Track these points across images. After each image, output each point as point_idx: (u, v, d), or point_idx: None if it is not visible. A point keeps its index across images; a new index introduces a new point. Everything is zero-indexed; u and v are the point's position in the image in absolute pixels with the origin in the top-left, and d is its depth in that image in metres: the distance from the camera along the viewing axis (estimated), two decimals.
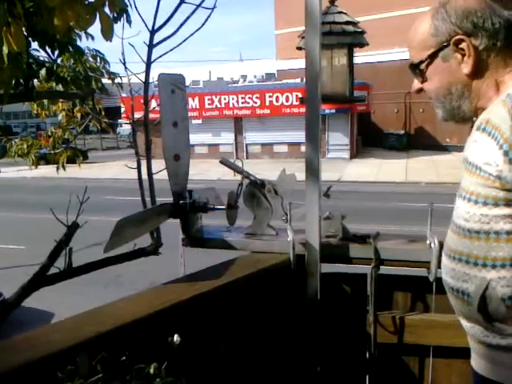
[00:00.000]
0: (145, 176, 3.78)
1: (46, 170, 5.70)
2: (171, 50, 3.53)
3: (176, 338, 1.32)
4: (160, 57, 3.49)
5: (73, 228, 3.43)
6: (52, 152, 6.05)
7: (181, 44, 3.57)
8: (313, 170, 1.83)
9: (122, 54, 4.31)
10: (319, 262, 1.89)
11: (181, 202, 1.95)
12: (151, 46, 3.42)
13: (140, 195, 3.86)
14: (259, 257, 1.95)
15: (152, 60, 3.52)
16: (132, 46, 3.72)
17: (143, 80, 3.81)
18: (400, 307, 1.96)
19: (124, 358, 1.22)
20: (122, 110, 28.05)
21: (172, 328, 1.47)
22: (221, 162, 2.01)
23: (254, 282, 1.83)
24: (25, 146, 5.76)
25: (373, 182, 20.00)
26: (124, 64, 4.07)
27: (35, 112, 5.49)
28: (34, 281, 3.42)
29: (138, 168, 3.95)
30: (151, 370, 1.23)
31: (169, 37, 3.61)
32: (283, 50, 33.91)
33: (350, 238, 1.95)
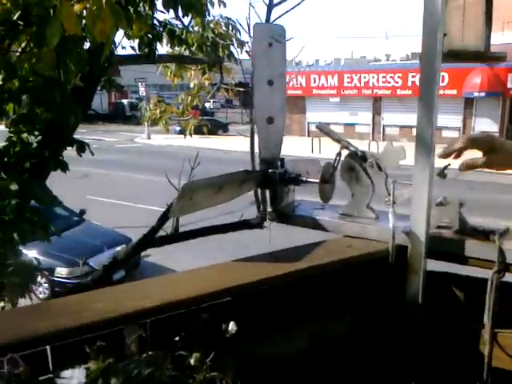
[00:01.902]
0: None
1: (191, 140, 5.90)
2: (292, 9, 3.35)
3: (232, 326, 1.16)
4: (279, 17, 3.32)
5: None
6: (182, 119, 6.24)
7: (300, 3, 3.35)
8: (424, 143, 1.51)
9: (247, 17, 4.21)
10: (425, 257, 1.57)
11: (270, 170, 1.76)
12: (270, 6, 3.27)
13: (251, 164, 3.77)
14: (352, 242, 1.68)
15: (272, 20, 3.36)
16: (252, 6, 3.60)
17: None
18: None
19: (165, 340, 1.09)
20: None
21: (230, 314, 1.31)
22: (317, 128, 1.78)
23: (343, 271, 1.58)
24: (158, 111, 6.01)
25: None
26: (248, 27, 3.96)
27: (168, 78, 5.64)
28: (143, 241, 3.55)
29: (252, 137, 3.86)
30: (192, 361, 1.08)
31: None
32: None
33: (468, 231, 1.58)
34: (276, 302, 1.50)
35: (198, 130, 6.40)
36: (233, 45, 5.22)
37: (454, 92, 23.51)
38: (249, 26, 4.20)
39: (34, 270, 2.71)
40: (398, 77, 25.02)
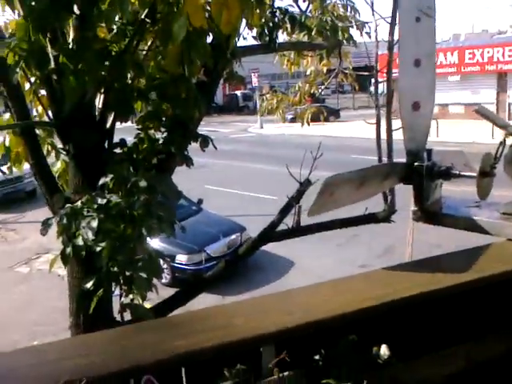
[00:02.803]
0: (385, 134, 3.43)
1: (302, 128, 5.82)
2: None
3: (384, 350, 0.99)
4: None
5: (304, 185, 3.34)
6: (298, 108, 6.12)
7: None
8: None
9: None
10: None
11: (416, 163, 1.55)
12: None
13: (377, 154, 3.53)
14: None
15: None
16: None
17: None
18: None
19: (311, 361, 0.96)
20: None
21: (380, 334, 1.14)
22: (476, 112, 1.53)
23: (509, 283, 1.32)
24: (274, 101, 5.93)
25: None
26: (372, 5, 3.68)
27: (285, 66, 5.54)
28: (263, 235, 3.47)
29: (377, 124, 3.61)
30: None
31: None
32: None
33: None
34: (431, 318, 1.31)
35: (310, 117, 6.23)
36: (352, 27, 4.96)
37: None
38: (372, 3, 3.91)
39: (159, 265, 2.74)
40: (498, 51, 22.69)
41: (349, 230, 4.23)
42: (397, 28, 3.16)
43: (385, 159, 3.21)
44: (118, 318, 2.79)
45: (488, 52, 24.31)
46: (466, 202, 1.66)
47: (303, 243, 7.06)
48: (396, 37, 3.28)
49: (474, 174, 1.51)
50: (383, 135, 3.35)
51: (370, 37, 4.98)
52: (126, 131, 3.28)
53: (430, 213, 1.61)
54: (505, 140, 1.47)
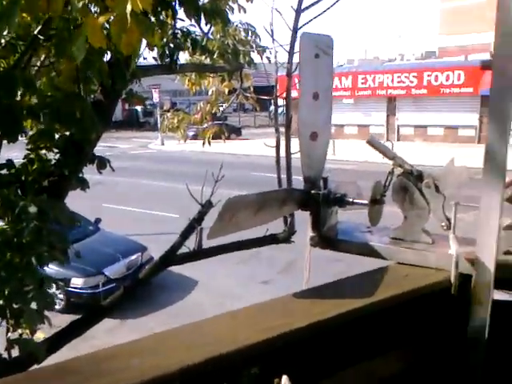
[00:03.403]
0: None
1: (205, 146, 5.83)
2: (321, 14, 3.18)
3: (285, 381, 1.00)
4: (308, 22, 3.16)
5: (206, 207, 3.32)
6: (200, 127, 6.12)
7: (331, 7, 3.18)
8: (496, 163, 1.34)
9: (271, 23, 4.05)
10: (492, 287, 1.39)
11: (313, 191, 1.59)
12: (299, 11, 3.10)
13: (277, 175, 3.61)
14: (408, 271, 1.51)
15: (299, 26, 3.20)
16: (279, 12, 3.43)
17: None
18: None
19: None
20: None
21: (282, 365, 1.14)
22: (368, 143, 1.61)
23: (400, 306, 1.40)
24: (175, 120, 5.87)
25: None
26: (272, 33, 3.79)
27: (186, 86, 5.52)
28: (164, 259, 3.41)
29: (277, 146, 3.71)
30: None
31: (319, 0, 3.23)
32: (447, 25, 31.34)
33: None
34: (330, 343, 1.34)
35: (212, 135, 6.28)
36: (253, 51, 5.07)
37: (470, 90, 23.13)
38: (272, 31, 4.04)
39: (52, 295, 2.56)
40: (413, 76, 24.71)
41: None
42: (296, 57, 3.28)
43: (287, 177, 3.30)
44: (5, 355, 2.56)
45: (379, 78, 26.10)
46: (359, 227, 1.73)
47: (206, 261, 7.00)
48: (294, 64, 3.39)
49: (366, 202, 1.58)
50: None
51: (269, 61, 5.12)
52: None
53: (327, 238, 1.66)
54: (393, 170, 1.56)
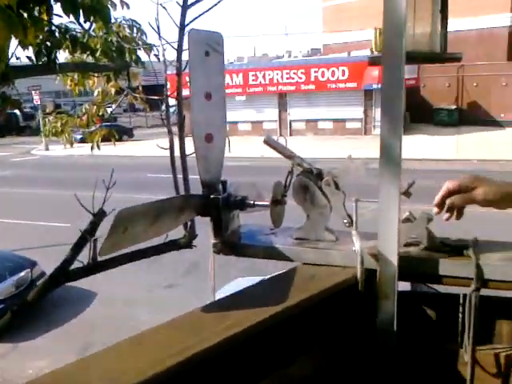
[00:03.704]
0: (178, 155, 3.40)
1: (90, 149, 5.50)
2: (208, 10, 3.09)
3: None
4: (195, 19, 3.05)
5: (98, 217, 3.09)
6: (87, 131, 5.78)
7: (217, 4, 3.11)
8: (391, 156, 1.34)
9: (156, 19, 3.89)
10: (397, 280, 1.40)
11: (212, 195, 1.51)
12: (185, 7, 2.99)
13: (173, 177, 3.48)
14: (314, 271, 1.47)
15: (186, 23, 3.09)
16: (164, 8, 3.30)
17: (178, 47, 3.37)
18: (504, 341, 1.45)
19: None
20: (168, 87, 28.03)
21: None
22: (265, 143, 1.55)
23: (311, 308, 1.36)
24: (59, 124, 5.48)
25: (422, 159, 19.11)
26: (158, 30, 3.65)
27: (68, 87, 5.18)
28: (55, 277, 3.12)
29: (171, 148, 3.56)
30: None
31: None
32: (330, 23, 32.85)
33: (439, 247, 1.44)
34: (239, 359, 1.27)
35: (103, 137, 5.98)
36: (139, 49, 4.87)
37: (355, 85, 24.45)
38: (158, 27, 3.88)
39: None
40: (301, 72, 25.55)
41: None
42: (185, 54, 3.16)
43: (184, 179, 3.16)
44: None
45: (269, 74, 26.65)
46: (262, 229, 1.68)
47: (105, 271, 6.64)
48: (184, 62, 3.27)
49: (267, 203, 1.53)
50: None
51: (158, 59, 4.95)
52: None
53: (230, 244, 1.58)
54: (292, 169, 1.52)
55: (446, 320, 1.49)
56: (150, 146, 27.38)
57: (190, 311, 1.27)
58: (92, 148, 5.32)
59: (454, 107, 26.87)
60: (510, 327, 1.47)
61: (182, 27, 3.19)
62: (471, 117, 25.80)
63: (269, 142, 1.53)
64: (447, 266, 1.39)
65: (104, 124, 6.73)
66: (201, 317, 1.25)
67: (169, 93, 4.04)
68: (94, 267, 3.07)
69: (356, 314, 1.48)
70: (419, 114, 26.94)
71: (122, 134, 29.76)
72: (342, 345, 1.51)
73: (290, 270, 1.48)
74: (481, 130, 24.33)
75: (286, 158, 1.50)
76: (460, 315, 1.44)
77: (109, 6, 4.05)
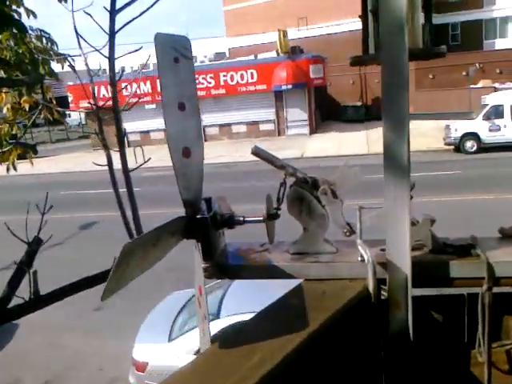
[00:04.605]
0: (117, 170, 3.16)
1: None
2: (139, 16, 2.90)
3: None
4: (126, 25, 2.85)
5: (34, 245, 2.78)
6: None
7: (149, 9, 2.92)
8: (397, 158, 1.26)
9: (75, 28, 3.60)
10: (409, 286, 1.33)
11: (199, 215, 1.37)
12: (113, 12, 2.77)
13: (115, 195, 3.22)
14: (322, 287, 1.37)
15: (116, 30, 2.87)
16: (89, 14, 3.04)
17: (107, 55, 3.12)
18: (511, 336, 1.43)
19: None
20: (70, 99, 26.66)
21: None
22: (253, 154, 1.42)
23: (331, 329, 1.25)
24: None
25: (335, 156, 19.75)
26: (78, 38, 3.37)
27: None
28: None
29: (109, 164, 3.30)
30: None
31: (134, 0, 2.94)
32: (233, 27, 33.10)
33: (445, 249, 1.39)
34: None
35: None
36: (53, 59, 4.52)
37: (264, 87, 24.77)
38: (77, 35, 3.60)
39: None
40: (210, 77, 25.43)
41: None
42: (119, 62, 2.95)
43: (129, 195, 2.94)
44: None
45: None
46: (253, 246, 1.55)
47: None
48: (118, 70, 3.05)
49: (260, 218, 1.41)
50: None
51: (74, 70, 4.62)
52: None
53: (223, 266, 1.45)
54: (285, 180, 1.41)
55: (456, 321, 1.45)
56: (57, 162, 25.99)
57: (209, 348, 1.11)
58: (8, 169, 4.88)
59: (359, 104, 28.09)
60: None
61: (112, 34, 2.96)
62: (376, 112, 27.09)
63: (257, 152, 1.40)
64: (458, 268, 1.35)
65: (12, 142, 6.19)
66: (224, 354, 1.10)
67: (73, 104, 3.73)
68: (36, 303, 2.76)
69: (371, 327, 1.40)
70: (329, 112, 27.87)
71: (27, 152, 28.00)
72: (361, 359, 1.42)
73: (296, 289, 1.37)
74: None
75: (277, 169, 1.38)
76: (466, 316, 1.41)
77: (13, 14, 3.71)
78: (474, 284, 1.34)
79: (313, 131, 25.75)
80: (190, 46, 1.44)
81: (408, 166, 1.28)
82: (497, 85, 23.64)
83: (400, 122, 1.25)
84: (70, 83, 25.16)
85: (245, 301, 6.02)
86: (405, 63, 1.22)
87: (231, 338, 1.20)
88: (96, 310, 8.34)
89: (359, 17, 1.30)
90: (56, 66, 4.58)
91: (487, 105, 18.80)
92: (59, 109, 5.30)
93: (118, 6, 2.84)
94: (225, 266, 1.44)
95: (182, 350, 5.89)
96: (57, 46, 4.74)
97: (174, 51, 1.37)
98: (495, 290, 1.39)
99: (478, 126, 18.47)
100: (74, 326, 8.05)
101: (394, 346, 1.39)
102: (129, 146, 25.37)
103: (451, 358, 1.48)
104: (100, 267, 2.57)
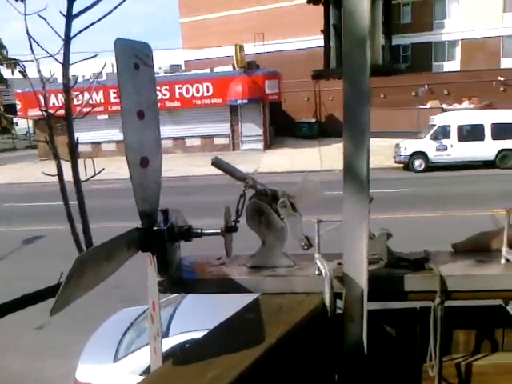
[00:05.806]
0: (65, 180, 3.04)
1: None
2: (98, 21, 2.83)
3: None
4: (82, 30, 2.77)
5: None
6: None
7: (108, 15, 2.86)
8: (357, 172, 1.27)
9: (27, 32, 3.49)
10: (365, 301, 1.33)
11: (155, 227, 1.33)
12: (70, 17, 2.69)
13: (65, 206, 3.10)
14: (279, 301, 1.35)
15: (73, 35, 2.79)
16: (43, 18, 2.95)
17: (61, 61, 3.03)
18: (461, 349, 1.46)
19: None
20: (18, 107, 25.77)
21: None
22: (213, 165, 1.40)
23: (287, 344, 1.23)
24: None
25: (289, 171, 19.95)
26: (30, 43, 3.27)
27: None
28: None
29: (60, 175, 3.18)
30: None
31: (92, 5, 2.87)
32: (190, 40, 33.11)
33: (397, 263, 1.41)
34: None
35: None
36: (2, 64, 4.37)
37: (220, 101, 24.79)
38: (30, 40, 3.49)
39: None
40: (165, 89, 25.21)
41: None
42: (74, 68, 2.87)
43: (79, 205, 2.82)
44: None
45: None
46: (209, 260, 1.52)
47: None
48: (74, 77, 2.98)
49: (218, 231, 1.38)
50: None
51: (24, 76, 4.48)
52: None
53: (178, 280, 1.40)
54: (244, 192, 1.39)
55: (408, 335, 1.46)
56: (2, 173, 24.98)
57: (164, 364, 1.07)
58: None
59: (313, 120, 28.57)
60: (466, 335, 1.48)
61: (68, 39, 2.88)
62: (330, 129, 27.62)
63: (217, 164, 1.38)
64: (412, 282, 1.37)
65: None
66: (178, 370, 1.06)
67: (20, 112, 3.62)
68: None
69: (325, 341, 1.39)
70: (283, 127, 28.18)
71: None
72: (317, 373, 1.41)
73: (253, 303, 1.34)
74: (339, 142, 25.89)
75: (237, 180, 1.36)
76: (419, 330, 1.42)
77: None
78: (427, 298, 1.36)
79: (267, 146, 25.95)
80: (151, 53, 1.40)
81: (367, 180, 1.28)
82: (444, 105, 24.66)
83: (360, 136, 1.25)
84: (19, 90, 24.36)
85: (197, 318, 5.89)
86: (366, 78, 1.23)
87: (185, 354, 1.17)
88: (36, 329, 8.00)
89: (321, 31, 1.32)
90: (6, 72, 4.43)
91: (435, 125, 19.52)
92: (9, 115, 5.12)
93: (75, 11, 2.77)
94: (180, 280, 1.41)
95: (128, 371, 5.65)
96: (6, 51, 4.59)
97: (134, 57, 1.34)
98: (447, 303, 1.41)
99: (426, 145, 19.13)
100: (12, 344, 7.67)
101: (349, 360, 1.38)
102: (79, 158, 24.74)
103: (403, 373, 1.49)
104: (43, 284, 2.44)
